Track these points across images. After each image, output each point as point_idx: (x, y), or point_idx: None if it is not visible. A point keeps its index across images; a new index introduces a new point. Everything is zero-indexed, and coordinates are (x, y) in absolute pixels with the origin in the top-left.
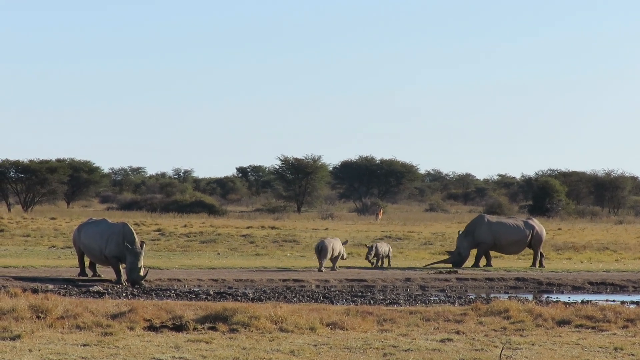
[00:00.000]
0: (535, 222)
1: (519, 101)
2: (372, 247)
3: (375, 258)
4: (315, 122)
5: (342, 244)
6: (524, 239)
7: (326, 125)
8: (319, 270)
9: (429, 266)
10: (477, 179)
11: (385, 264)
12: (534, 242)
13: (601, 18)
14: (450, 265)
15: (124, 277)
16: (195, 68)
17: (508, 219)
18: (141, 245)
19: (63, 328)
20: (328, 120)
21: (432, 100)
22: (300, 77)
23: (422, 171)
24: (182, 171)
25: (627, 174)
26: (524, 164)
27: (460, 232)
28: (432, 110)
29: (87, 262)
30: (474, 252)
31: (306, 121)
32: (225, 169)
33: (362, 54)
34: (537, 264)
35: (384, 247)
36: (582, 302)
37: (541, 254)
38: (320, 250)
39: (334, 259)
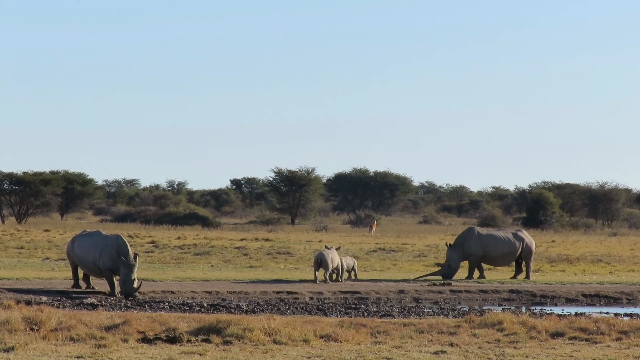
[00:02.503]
0: (525, 234)
1: (512, 113)
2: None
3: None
4: (309, 134)
5: (336, 249)
6: (513, 251)
7: (320, 137)
8: (321, 281)
9: (420, 278)
10: (471, 191)
11: (347, 276)
12: (524, 254)
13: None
14: (440, 277)
15: (117, 289)
16: (189, 81)
17: (498, 231)
18: (135, 258)
19: (57, 340)
20: (322, 132)
21: (426, 112)
22: (293, 90)
23: (415, 183)
24: (176, 183)
25: (620, 186)
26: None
27: (450, 245)
28: (426, 123)
29: (80, 274)
30: (465, 264)
31: (300, 133)
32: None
33: (356, 66)
34: (528, 276)
35: (348, 262)
36: (576, 314)
37: (527, 266)
38: (321, 262)
39: (332, 272)
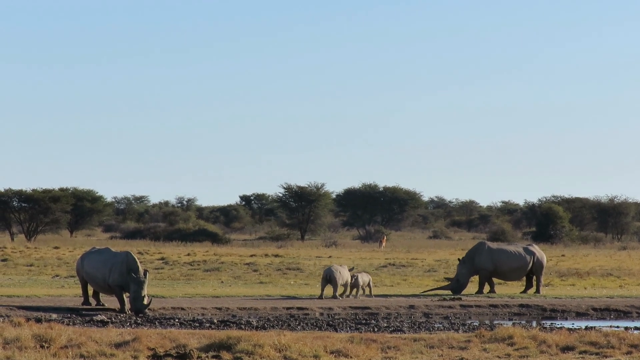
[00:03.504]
0: (536, 249)
1: (521, 128)
2: (353, 277)
3: (355, 289)
4: (319, 150)
5: (349, 270)
6: (524, 265)
7: (329, 153)
8: (328, 297)
9: (427, 292)
10: (481, 206)
11: (367, 292)
12: (535, 269)
13: (603, 44)
14: (449, 292)
15: (127, 306)
16: (198, 96)
17: (508, 246)
18: (145, 274)
19: (67, 357)
20: (331, 148)
21: (436, 127)
22: (303, 105)
23: (425, 198)
24: (186, 200)
25: (630, 200)
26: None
27: (461, 260)
28: (436, 137)
29: (90, 291)
30: (475, 279)
31: (310, 149)
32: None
33: (364, 81)
34: (539, 290)
35: (364, 278)
36: (586, 328)
37: (538, 280)
38: (330, 278)
39: (340, 288)
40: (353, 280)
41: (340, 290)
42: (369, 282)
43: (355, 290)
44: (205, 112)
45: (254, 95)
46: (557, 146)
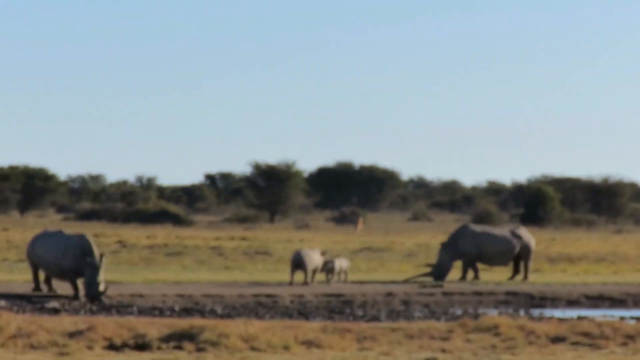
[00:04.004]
0: (524, 232)
1: (508, 102)
2: (330, 262)
3: (330, 275)
4: (289, 125)
5: (322, 254)
6: (511, 249)
7: (301, 128)
8: (302, 283)
9: (410, 280)
10: (464, 186)
11: (342, 279)
12: (523, 253)
13: (597, 18)
14: (430, 278)
15: (82, 292)
16: (159, 67)
17: (494, 229)
18: (101, 258)
19: (16, 348)
20: (303, 123)
21: (416, 101)
22: (272, 78)
23: (404, 178)
24: (145, 178)
25: (625, 180)
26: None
27: (443, 244)
28: (416, 113)
29: (42, 276)
30: (459, 264)
31: (279, 124)
32: (192, 176)
33: (340, 51)
34: (527, 277)
35: (342, 263)
36: (578, 317)
37: (526, 266)
38: (299, 263)
39: (312, 273)
40: (330, 265)
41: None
42: (346, 268)
43: (331, 276)
44: (166, 85)
45: (219, 67)
46: (547, 121)
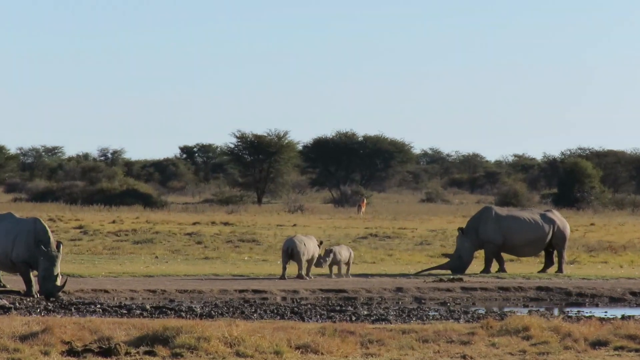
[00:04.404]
0: (557, 216)
1: (539, 63)
2: (329, 251)
3: (335, 265)
4: (281, 89)
5: (319, 244)
6: (542, 237)
7: (294, 93)
8: (296, 276)
9: (422, 273)
10: (487, 161)
11: (343, 271)
12: (556, 241)
13: None
14: (449, 271)
15: (35, 287)
16: (126, 26)
17: (522, 212)
18: (58, 247)
19: None
20: (296, 87)
21: (429, 61)
22: (259, 33)
23: (416, 151)
24: (110, 152)
25: None
26: (546, 142)
27: (461, 230)
28: (429, 74)
29: None
30: (481, 254)
31: (268, 88)
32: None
33: (342, 4)
34: (561, 269)
35: (344, 253)
36: (623, 317)
37: (560, 256)
38: (292, 252)
39: (307, 264)
40: (331, 256)
41: (305, 266)
42: (349, 259)
43: (336, 268)
44: (134, 44)
45: (197, 22)
46: (583, 86)
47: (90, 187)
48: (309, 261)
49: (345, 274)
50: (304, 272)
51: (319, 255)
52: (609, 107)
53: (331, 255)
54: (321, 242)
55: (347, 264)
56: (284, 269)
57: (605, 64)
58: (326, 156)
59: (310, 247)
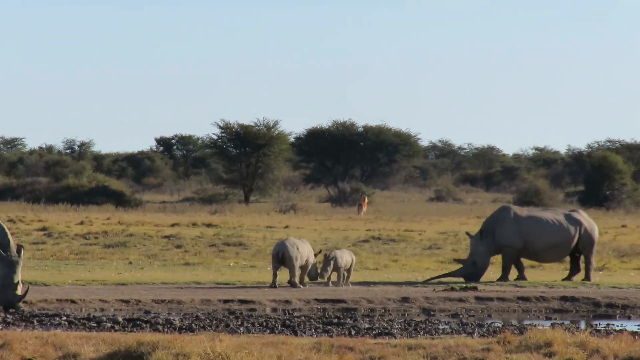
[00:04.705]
0: (583, 216)
1: (562, 45)
2: (330, 257)
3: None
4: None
5: (316, 253)
6: (567, 240)
7: (285, 78)
8: (287, 284)
9: (432, 281)
10: (504, 155)
11: (343, 279)
12: (583, 245)
13: None
14: (461, 279)
15: None
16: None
17: (544, 212)
18: (18, 252)
19: None
20: (288, 70)
21: (439, 42)
22: (244, 11)
23: (424, 143)
24: (77, 144)
25: None
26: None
27: (480, 232)
28: (439, 57)
29: None
30: (497, 260)
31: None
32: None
33: None
34: (589, 277)
35: (345, 258)
36: None
37: (588, 262)
38: (283, 257)
39: (301, 271)
40: (331, 263)
41: (298, 273)
42: (350, 265)
43: (341, 275)
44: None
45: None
46: (612, 71)
47: (54, 183)
48: (303, 268)
49: (345, 282)
50: (297, 279)
51: (314, 265)
52: None
53: (332, 262)
54: (320, 252)
55: (348, 270)
56: (275, 275)
57: (638, 46)
58: (322, 149)
59: (304, 252)
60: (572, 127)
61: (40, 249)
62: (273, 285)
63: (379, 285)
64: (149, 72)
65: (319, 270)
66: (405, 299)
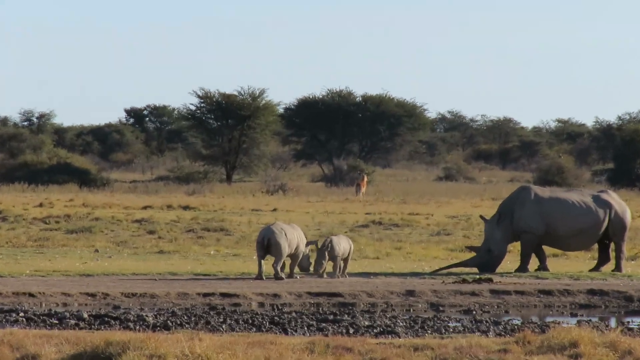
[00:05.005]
0: (614, 198)
1: (589, 4)
2: (326, 246)
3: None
4: (255, 36)
5: (308, 243)
6: (595, 225)
7: (273, 41)
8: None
9: (441, 271)
10: (523, 128)
11: (339, 270)
12: (613, 231)
13: None
14: (475, 269)
15: None
16: None
17: (569, 193)
18: None
19: None
20: (276, 33)
21: (448, 2)
22: None
23: (431, 114)
24: (36, 115)
25: None
26: (598, 104)
27: (498, 215)
28: (447, 18)
29: None
30: (516, 247)
31: (239, 35)
32: (107, 112)
33: None
34: (619, 267)
35: (343, 245)
36: None
37: (619, 250)
38: (269, 244)
39: (292, 261)
40: (327, 251)
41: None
42: (348, 253)
43: (337, 265)
44: None
45: None
46: None
47: (10, 160)
48: (293, 257)
49: (342, 272)
50: (287, 270)
51: (306, 255)
52: None
53: (326, 253)
54: (313, 242)
55: (345, 260)
56: (260, 265)
57: None
58: (315, 121)
59: (293, 239)
60: (601, 96)
61: None
62: (259, 276)
63: (380, 277)
64: (118, 34)
65: (310, 260)
66: (410, 293)
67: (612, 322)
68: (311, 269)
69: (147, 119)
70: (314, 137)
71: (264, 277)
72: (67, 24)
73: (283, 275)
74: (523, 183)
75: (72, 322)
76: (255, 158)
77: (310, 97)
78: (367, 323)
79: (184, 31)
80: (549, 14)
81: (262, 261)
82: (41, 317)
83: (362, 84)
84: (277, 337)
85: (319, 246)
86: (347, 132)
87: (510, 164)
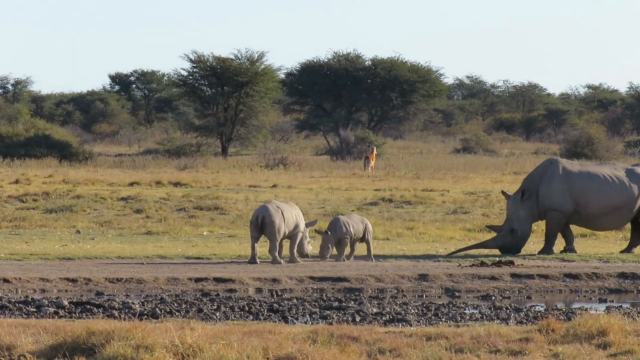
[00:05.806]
0: None
1: None
2: (336, 225)
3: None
4: None
5: (308, 223)
6: (628, 202)
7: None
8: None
9: (457, 253)
10: (549, 95)
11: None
12: None
13: None
14: (495, 251)
15: None
16: None
17: (600, 167)
18: None
19: None
20: None
21: None
22: None
23: (448, 80)
24: (11, 82)
25: None
26: (633, 68)
27: (521, 191)
28: None
29: None
30: (541, 226)
31: None
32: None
33: None
34: None
35: (356, 226)
36: None
37: None
38: (264, 223)
39: (292, 242)
40: (344, 229)
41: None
42: (363, 234)
43: (343, 248)
44: None
45: None
46: None
47: None
48: (292, 238)
49: (368, 255)
50: (274, 249)
51: (308, 237)
52: None
53: (343, 228)
54: (315, 221)
55: (366, 241)
56: (253, 248)
57: None
58: (319, 88)
59: (290, 218)
60: (635, 60)
61: None
62: (252, 259)
63: (390, 260)
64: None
65: (308, 240)
66: (423, 277)
67: None
68: (306, 252)
69: (134, 85)
70: (318, 106)
71: (258, 261)
72: None
73: (281, 260)
74: (549, 156)
75: (51, 310)
76: (254, 129)
77: (315, 61)
78: (375, 310)
79: None
80: None
81: (256, 244)
82: (17, 305)
83: (372, 47)
84: (276, 326)
85: (325, 228)
86: (355, 100)
87: (535, 134)
